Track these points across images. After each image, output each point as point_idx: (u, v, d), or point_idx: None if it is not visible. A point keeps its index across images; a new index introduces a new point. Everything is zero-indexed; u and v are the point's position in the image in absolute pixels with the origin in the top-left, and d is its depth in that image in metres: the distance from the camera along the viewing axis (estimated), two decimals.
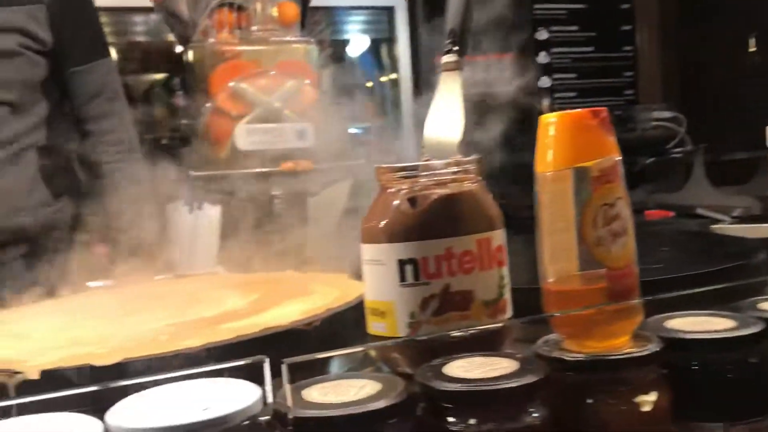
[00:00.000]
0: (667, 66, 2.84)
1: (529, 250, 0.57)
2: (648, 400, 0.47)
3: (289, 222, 1.39)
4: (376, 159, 1.82)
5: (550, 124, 0.52)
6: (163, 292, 0.77)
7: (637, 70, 2.76)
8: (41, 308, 0.78)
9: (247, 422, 0.40)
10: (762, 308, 0.54)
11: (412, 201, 0.55)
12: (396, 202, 0.56)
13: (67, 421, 0.40)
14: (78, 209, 1.24)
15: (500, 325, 0.53)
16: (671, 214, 1.65)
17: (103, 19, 1.46)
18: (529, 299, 0.56)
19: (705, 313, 0.54)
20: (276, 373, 0.50)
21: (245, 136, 1.54)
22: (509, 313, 0.58)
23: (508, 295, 0.58)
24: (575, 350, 0.50)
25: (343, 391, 0.45)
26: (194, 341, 0.52)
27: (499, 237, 0.57)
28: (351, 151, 1.71)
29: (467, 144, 0.61)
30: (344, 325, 0.60)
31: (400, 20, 2.69)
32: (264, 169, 1.55)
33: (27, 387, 0.49)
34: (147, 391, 0.43)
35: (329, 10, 2.69)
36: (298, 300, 0.65)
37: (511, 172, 0.90)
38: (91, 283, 1.07)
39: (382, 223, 0.55)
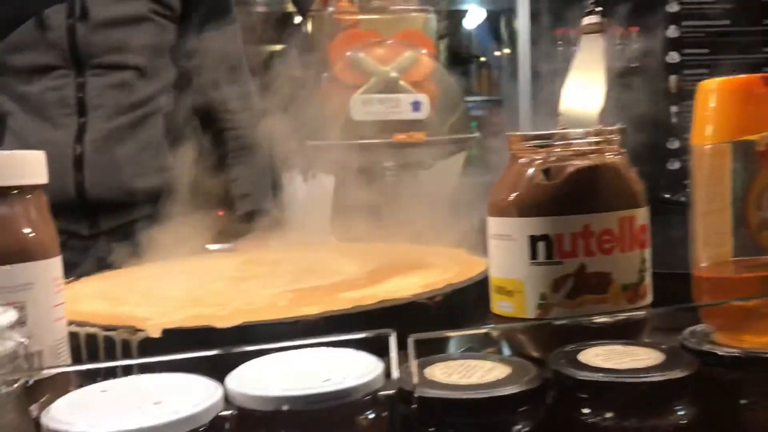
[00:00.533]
0: None
1: (663, 231, 0.52)
2: None
3: (400, 194, 1.37)
4: (491, 133, 1.77)
5: (711, 90, 0.47)
6: (280, 259, 0.76)
7: None
8: (164, 268, 0.79)
9: (368, 397, 0.38)
10: None
11: (547, 172, 0.51)
12: (529, 173, 0.52)
13: (186, 382, 0.39)
14: (200, 173, 1.27)
15: (644, 312, 0.49)
16: None
17: None
18: (667, 286, 0.52)
19: None
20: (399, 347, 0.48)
21: (361, 106, 1.53)
22: (649, 299, 0.53)
23: (648, 280, 0.53)
24: (728, 344, 0.45)
25: (468, 372, 0.42)
26: (313, 309, 0.51)
27: (642, 215, 0.52)
28: (466, 124, 1.67)
29: (608, 113, 0.56)
30: (466, 302, 0.57)
31: None
32: (378, 140, 1.54)
33: (149, 344, 0.49)
34: (266, 357, 0.42)
35: None
36: (417, 273, 0.63)
37: (637, 150, 0.84)
38: (210, 246, 1.09)
39: (513, 195, 0.52)
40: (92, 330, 0.50)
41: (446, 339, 0.56)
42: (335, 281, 0.62)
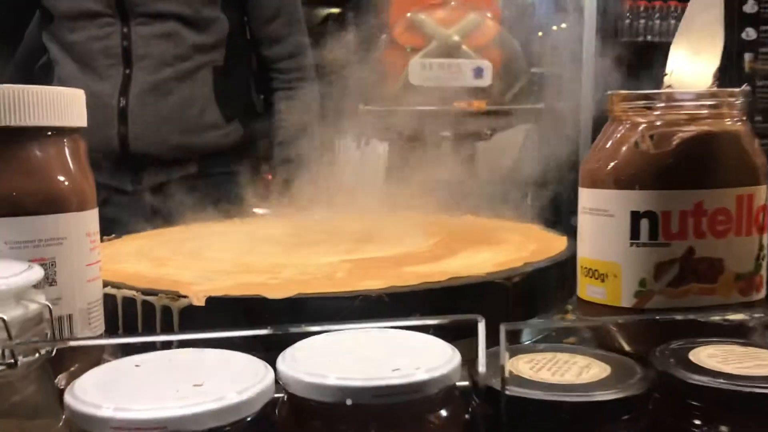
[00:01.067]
0: None
1: None
2: None
3: (457, 165, 1.30)
4: (555, 104, 1.68)
5: None
6: (335, 225, 0.71)
7: None
8: (211, 229, 0.74)
9: (441, 393, 0.32)
10: None
11: (653, 139, 0.44)
12: (633, 140, 0.44)
13: (231, 360, 0.33)
14: (249, 134, 1.22)
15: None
16: None
17: None
18: None
19: None
20: (468, 334, 0.42)
21: (419, 70, 1.46)
22: (764, 292, 0.45)
23: (764, 271, 0.45)
24: None
25: (560, 368, 0.36)
26: (375, 283, 0.45)
27: (762, 195, 0.44)
28: (530, 94, 1.58)
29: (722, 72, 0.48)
30: (546, 285, 0.50)
31: None
32: (436, 107, 1.47)
33: (191, 312, 0.44)
34: (324, 335, 0.36)
35: None
36: (487, 248, 0.56)
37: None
38: (257, 210, 1.04)
39: (612, 164, 0.45)
40: (130, 293, 0.45)
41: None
42: (397, 253, 0.56)
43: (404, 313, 0.43)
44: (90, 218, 0.40)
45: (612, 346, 0.44)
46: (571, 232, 0.63)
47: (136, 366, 0.33)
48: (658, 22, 2.70)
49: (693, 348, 0.38)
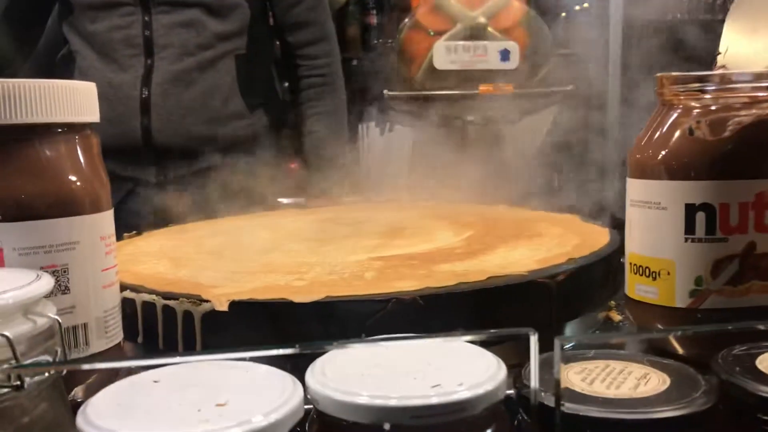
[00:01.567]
0: None
1: None
2: None
3: (485, 150, 1.27)
4: (583, 88, 1.63)
5: None
6: (361, 218, 0.68)
7: None
8: (234, 223, 0.72)
9: (487, 412, 0.29)
10: None
11: (711, 124, 0.40)
12: (686, 126, 0.41)
13: (257, 374, 0.31)
14: (273, 123, 1.20)
15: None
16: None
17: None
18: None
19: None
20: (504, 340, 0.39)
21: (444, 54, 1.42)
22: None
23: None
24: None
25: (615, 379, 0.33)
26: (407, 284, 0.42)
27: None
28: (558, 76, 1.53)
29: None
30: (592, 283, 0.47)
31: None
32: (461, 92, 1.43)
33: (214, 318, 0.41)
34: (356, 345, 0.34)
35: None
36: (526, 243, 0.53)
37: None
38: (281, 199, 1.02)
39: (663, 152, 0.41)
40: (150, 297, 0.43)
41: (562, 326, 0.47)
42: (429, 249, 0.53)
43: (441, 316, 0.41)
44: (104, 220, 0.37)
45: (665, 350, 0.40)
46: (612, 223, 0.60)
47: (155, 382, 0.31)
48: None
49: (759, 353, 0.34)
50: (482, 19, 1.42)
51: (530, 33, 1.48)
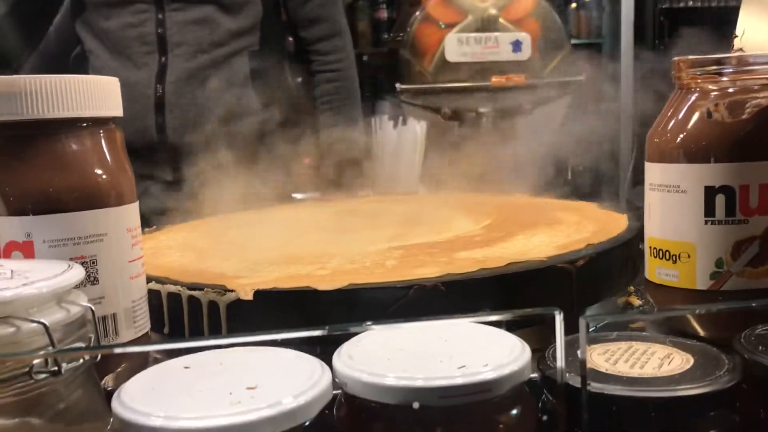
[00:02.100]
0: None
1: None
2: None
3: (499, 141, 1.27)
4: (596, 77, 1.62)
5: None
6: (378, 210, 0.68)
7: None
8: (253, 217, 0.72)
9: (512, 392, 0.30)
10: None
11: (729, 106, 0.40)
12: (704, 108, 0.41)
13: (285, 359, 0.31)
14: (286, 119, 1.20)
15: None
16: None
17: None
18: None
19: None
20: (527, 324, 0.39)
21: (455, 46, 1.42)
22: None
23: None
24: None
25: (638, 359, 0.33)
26: (429, 270, 0.42)
27: None
28: (570, 66, 1.53)
29: None
30: (610, 267, 0.47)
31: None
32: (474, 84, 1.43)
33: (239, 307, 0.42)
34: (380, 329, 0.34)
35: None
36: (544, 230, 0.53)
37: None
38: (296, 195, 1.02)
39: (682, 135, 0.41)
40: (175, 288, 0.43)
41: (582, 312, 0.47)
42: (448, 237, 0.53)
43: (462, 302, 0.41)
44: (130, 213, 0.38)
45: (686, 331, 0.41)
46: (629, 209, 0.60)
47: (186, 368, 0.31)
48: None
49: None
50: (493, 11, 1.42)
51: (542, 23, 1.48)
